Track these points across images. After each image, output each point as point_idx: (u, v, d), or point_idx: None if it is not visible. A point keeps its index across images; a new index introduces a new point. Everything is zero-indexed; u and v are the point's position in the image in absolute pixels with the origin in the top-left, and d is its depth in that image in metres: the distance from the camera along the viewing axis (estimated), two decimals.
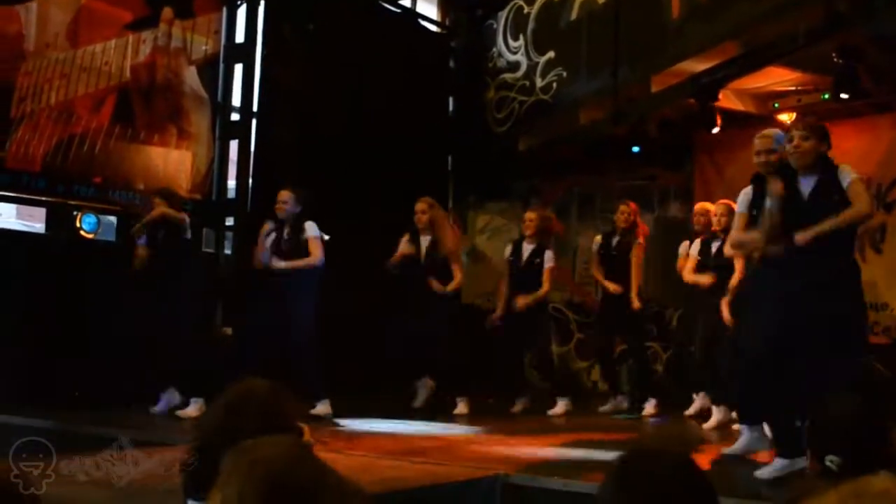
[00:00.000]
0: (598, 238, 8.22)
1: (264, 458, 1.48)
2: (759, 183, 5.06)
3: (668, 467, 1.67)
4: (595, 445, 5.79)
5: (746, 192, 5.11)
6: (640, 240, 7.91)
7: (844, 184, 4.57)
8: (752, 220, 5.06)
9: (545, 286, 7.81)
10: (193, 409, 6.59)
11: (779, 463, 4.56)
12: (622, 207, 8.01)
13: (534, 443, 5.95)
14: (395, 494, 4.08)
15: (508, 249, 8.09)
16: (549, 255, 7.87)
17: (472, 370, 7.89)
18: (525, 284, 7.80)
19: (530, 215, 8.03)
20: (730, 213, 6.64)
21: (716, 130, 8.70)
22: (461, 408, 7.50)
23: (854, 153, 8.83)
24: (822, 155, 4.66)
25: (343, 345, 7.76)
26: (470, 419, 7.14)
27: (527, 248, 7.91)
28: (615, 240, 8.00)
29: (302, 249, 6.96)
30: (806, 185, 4.65)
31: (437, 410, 7.36)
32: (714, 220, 7.17)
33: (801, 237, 4.52)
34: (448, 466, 4.89)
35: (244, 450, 1.52)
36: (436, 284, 7.54)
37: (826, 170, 4.65)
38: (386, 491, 4.03)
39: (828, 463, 2.21)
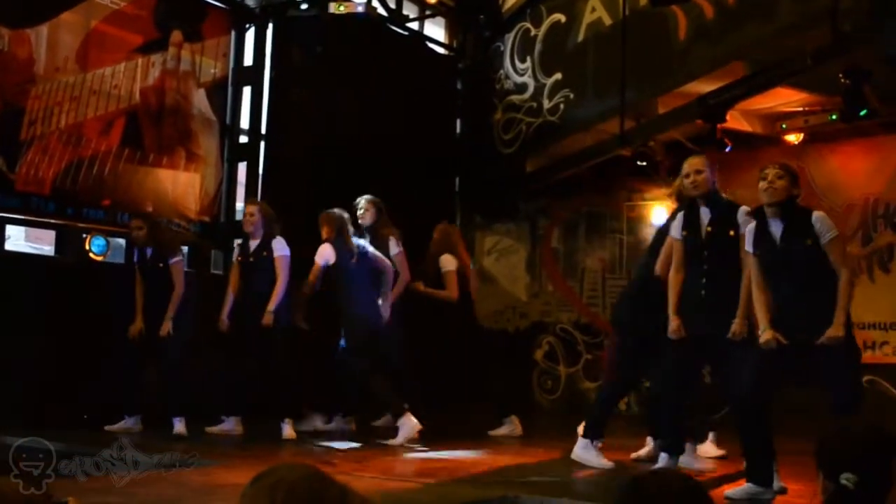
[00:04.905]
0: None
1: (286, 480, 1.48)
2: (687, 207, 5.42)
3: (678, 488, 1.69)
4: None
5: (679, 218, 5.44)
6: (395, 241, 7.41)
7: (825, 238, 4.68)
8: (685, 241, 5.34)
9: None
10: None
11: (751, 487, 4.70)
12: (363, 204, 7.50)
13: (542, 463, 5.93)
14: None
15: None
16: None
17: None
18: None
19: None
20: None
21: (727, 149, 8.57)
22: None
23: (862, 173, 8.85)
24: (793, 198, 4.79)
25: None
26: (476, 440, 7.07)
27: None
28: (367, 238, 7.37)
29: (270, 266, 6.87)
30: (776, 228, 4.78)
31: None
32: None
33: (834, 333, 4.54)
34: (458, 488, 4.88)
35: (264, 474, 1.51)
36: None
37: (797, 212, 4.78)
38: None
39: (843, 481, 2.20)
